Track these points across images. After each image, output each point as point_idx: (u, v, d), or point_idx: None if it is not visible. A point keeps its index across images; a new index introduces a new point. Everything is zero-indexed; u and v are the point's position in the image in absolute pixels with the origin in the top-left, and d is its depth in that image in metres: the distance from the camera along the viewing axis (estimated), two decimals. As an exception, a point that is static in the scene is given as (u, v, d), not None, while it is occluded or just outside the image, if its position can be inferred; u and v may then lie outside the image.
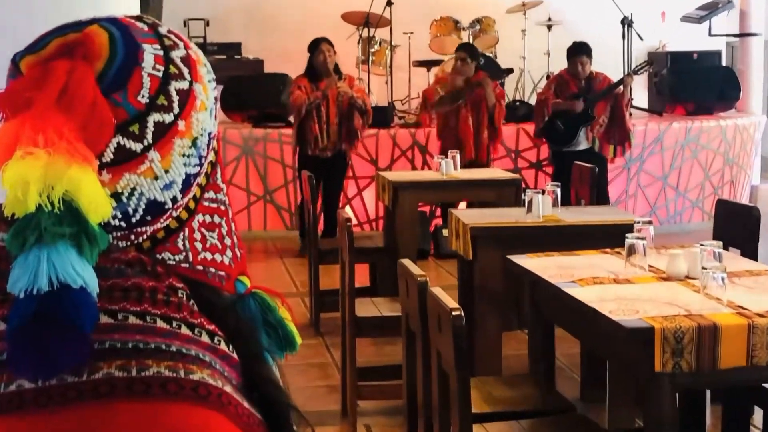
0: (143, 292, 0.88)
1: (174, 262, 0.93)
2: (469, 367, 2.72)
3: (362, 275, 6.33)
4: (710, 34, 9.94)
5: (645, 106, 9.85)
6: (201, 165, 0.93)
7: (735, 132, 9.17)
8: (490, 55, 9.63)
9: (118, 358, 0.83)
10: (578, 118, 7.47)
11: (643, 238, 3.33)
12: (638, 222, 3.54)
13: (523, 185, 8.37)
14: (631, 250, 3.32)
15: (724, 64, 10.51)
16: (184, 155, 0.91)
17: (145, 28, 0.92)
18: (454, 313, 2.65)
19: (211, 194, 0.96)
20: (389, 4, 9.26)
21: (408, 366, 3.26)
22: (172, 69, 0.91)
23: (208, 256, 0.95)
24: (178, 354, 0.85)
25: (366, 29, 9.30)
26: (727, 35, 10.48)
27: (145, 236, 0.92)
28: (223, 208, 0.97)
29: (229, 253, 0.97)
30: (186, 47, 0.94)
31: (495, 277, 4.24)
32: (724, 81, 9.53)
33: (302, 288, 6.75)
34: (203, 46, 9.66)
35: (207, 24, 9.66)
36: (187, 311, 0.89)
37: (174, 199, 0.92)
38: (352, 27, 9.54)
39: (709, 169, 9.04)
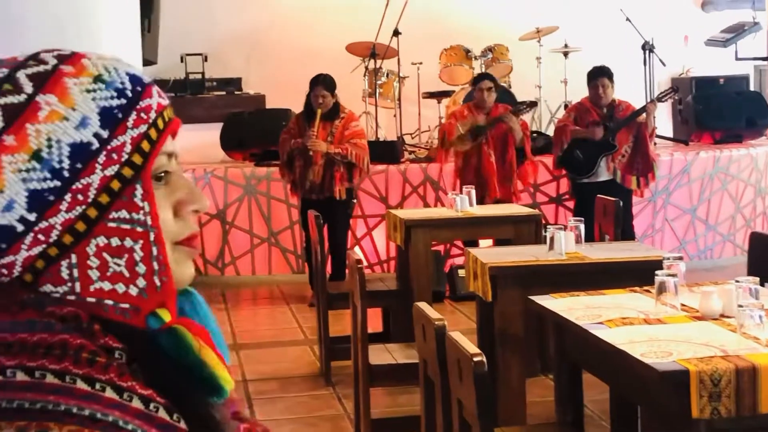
0: (67, 350, 0.86)
1: (58, 295, 0.90)
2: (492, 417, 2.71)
3: (374, 320, 6.31)
4: (737, 58, 9.97)
5: (670, 135, 9.87)
6: (62, 179, 0.91)
7: (767, 160, 9.17)
8: (504, 84, 9.67)
9: (21, 419, 0.82)
10: (599, 147, 7.47)
11: (674, 275, 3.32)
12: (668, 258, 3.53)
13: (543, 221, 8.41)
14: (662, 288, 3.30)
15: (752, 88, 10.53)
16: (20, 170, 0.90)
17: None
18: (475, 359, 2.64)
19: (122, 214, 0.93)
20: (396, 33, 9.32)
21: (427, 417, 3.24)
22: (5, 86, 0.93)
23: (106, 286, 0.92)
24: (88, 419, 0.83)
25: (372, 60, 9.36)
26: (754, 59, 10.51)
27: (16, 268, 0.90)
28: (140, 229, 0.93)
29: (141, 282, 0.93)
30: (62, 61, 0.95)
31: (516, 319, 4.23)
32: (752, 106, 9.55)
33: (311, 335, 6.73)
34: (201, 82, 9.73)
35: (205, 59, 9.73)
36: (115, 373, 0.87)
37: (25, 221, 0.90)
38: (358, 59, 9.60)
39: (740, 200, 9.03)
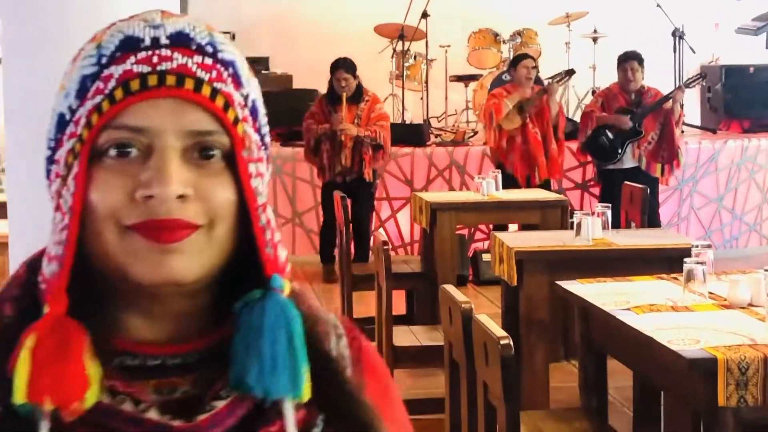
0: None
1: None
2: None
3: (398, 302, 6.33)
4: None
5: (698, 123, 9.80)
6: (50, 150, 0.94)
7: (795, 151, 9.10)
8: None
9: None
10: (625, 134, 7.44)
11: (702, 263, 3.31)
12: (696, 246, 3.52)
13: (569, 207, 8.39)
14: (690, 276, 3.29)
15: (782, 78, 10.44)
16: None
17: None
18: (502, 342, 2.65)
19: (63, 190, 0.92)
20: (425, 16, 9.30)
21: (451, 399, 3.25)
22: None
23: (47, 257, 0.96)
24: None
25: (400, 42, 9.35)
26: (785, 47, 10.42)
27: None
28: (64, 209, 0.91)
29: (52, 264, 0.91)
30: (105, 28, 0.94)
31: (542, 304, 4.23)
32: (782, 96, 9.48)
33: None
34: (229, 61, 9.74)
35: (233, 38, 9.67)
36: None
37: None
38: (386, 40, 9.58)
39: (767, 190, 8.97)
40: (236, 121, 0.92)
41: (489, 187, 5.99)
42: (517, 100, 7.47)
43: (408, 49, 9.44)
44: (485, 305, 6.90)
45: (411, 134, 8.80)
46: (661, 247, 4.27)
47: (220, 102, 0.91)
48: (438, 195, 6.65)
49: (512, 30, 9.83)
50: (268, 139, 0.97)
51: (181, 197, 0.88)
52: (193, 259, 0.89)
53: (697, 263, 3.31)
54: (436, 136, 9.21)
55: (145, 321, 0.93)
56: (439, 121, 9.81)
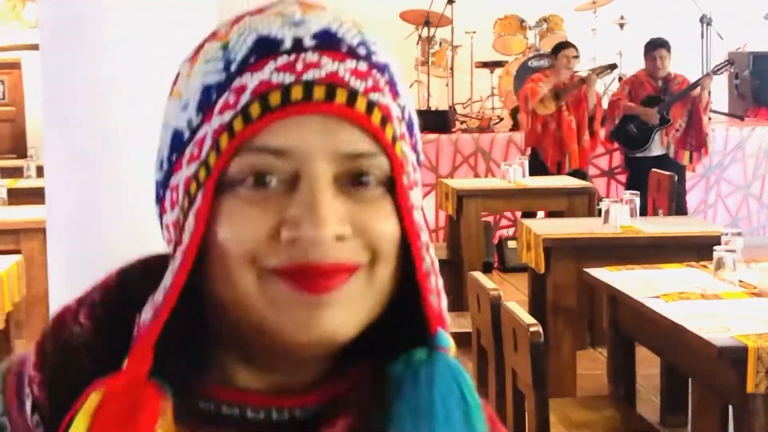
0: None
1: None
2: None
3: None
4: (796, 33, 9.81)
5: (725, 110, 9.74)
6: (164, 172, 0.77)
7: (823, 138, 9.03)
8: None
9: None
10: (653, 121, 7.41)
11: (732, 251, 3.30)
12: (726, 234, 3.51)
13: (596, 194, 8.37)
14: (720, 264, 3.29)
15: (811, 65, 10.36)
16: None
17: None
18: (532, 330, 2.66)
19: (187, 223, 0.75)
20: (450, 2, 9.28)
21: (479, 386, 3.27)
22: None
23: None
24: None
25: (426, 29, 9.33)
26: (814, 34, 10.34)
27: None
28: (180, 248, 0.75)
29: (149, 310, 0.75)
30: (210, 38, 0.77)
31: (569, 291, 4.24)
32: (811, 83, 9.41)
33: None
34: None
35: (258, 24, 9.76)
36: None
37: None
38: (411, 26, 9.57)
39: (795, 177, 8.92)
40: (394, 139, 0.75)
41: (516, 174, 5.99)
42: (552, 84, 7.43)
43: (433, 36, 9.43)
44: (511, 292, 6.90)
45: (436, 121, 8.79)
46: (690, 234, 4.27)
47: (377, 117, 0.74)
48: (464, 182, 6.66)
49: (538, 16, 9.78)
50: (422, 157, 0.80)
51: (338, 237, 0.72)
52: (351, 311, 0.73)
53: (727, 251, 3.31)
54: (462, 122, 9.20)
55: (255, 369, 0.77)
56: (464, 108, 9.79)
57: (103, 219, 2.45)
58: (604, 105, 8.13)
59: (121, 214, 2.44)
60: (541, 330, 2.66)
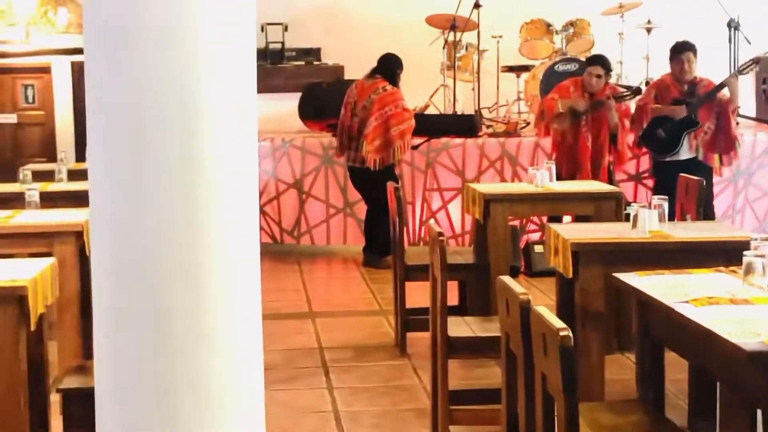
0: None
1: None
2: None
3: (451, 293, 6.35)
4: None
5: (753, 114, 9.70)
6: None
7: None
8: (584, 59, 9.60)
9: None
10: (681, 125, 7.39)
11: (762, 256, 3.30)
12: (756, 239, 3.51)
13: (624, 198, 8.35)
14: (749, 269, 3.29)
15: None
16: None
17: None
18: (562, 334, 2.67)
19: None
20: (477, 6, 9.30)
21: (508, 390, 3.28)
22: None
23: None
24: None
25: (452, 33, 9.36)
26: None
27: None
28: None
29: None
30: None
31: (598, 296, 4.24)
32: (840, 87, 9.35)
33: (386, 306, 6.80)
34: (281, 52, 9.82)
35: (285, 29, 9.82)
36: None
37: None
38: (437, 31, 9.60)
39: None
40: None
41: (543, 179, 5.99)
42: (568, 106, 7.49)
43: (459, 40, 9.45)
44: (538, 297, 6.91)
45: (462, 125, 8.82)
46: (719, 239, 4.26)
47: None
48: (491, 186, 6.67)
49: (565, 20, 9.79)
50: None
51: None
52: None
53: (757, 256, 3.31)
54: (488, 126, 9.21)
55: None
56: (490, 112, 9.80)
57: (143, 221, 2.49)
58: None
59: (160, 219, 2.48)
60: (571, 334, 2.67)
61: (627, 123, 7.61)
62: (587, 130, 7.52)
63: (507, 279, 3.29)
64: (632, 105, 7.82)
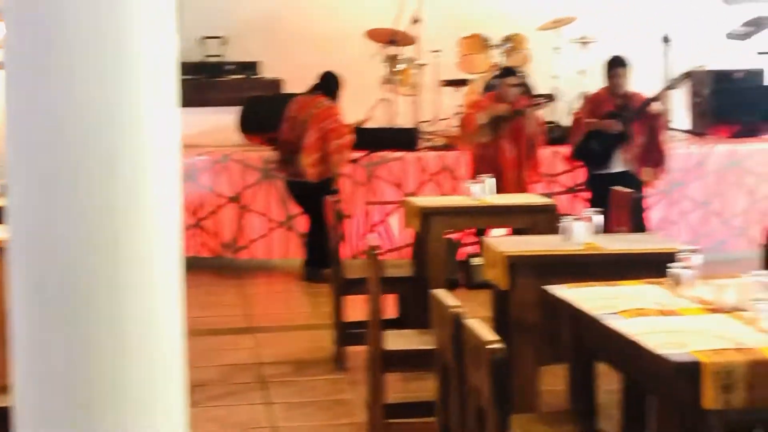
0: None
1: None
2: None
3: (389, 306, 6.36)
4: (759, 53, 9.96)
5: (687, 127, 9.87)
6: None
7: (783, 155, 9.16)
8: (521, 74, 9.69)
9: None
10: (614, 139, 7.50)
11: (689, 267, 3.36)
12: (684, 251, 3.56)
13: (559, 211, 8.43)
14: (678, 280, 3.34)
15: (770, 83, 10.51)
16: None
17: None
18: (493, 347, 2.69)
19: None
20: (415, 21, 9.35)
21: (442, 403, 3.29)
22: None
23: None
24: None
25: (391, 47, 9.39)
26: (773, 52, 10.49)
27: None
28: None
29: None
30: None
31: (532, 308, 4.27)
32: (769, 101, 9.56)
33: (325, 320, 6.78)
34: (220, 65, 9.77)
35: (224, 42, 9.78)
36: None
37: None
38: (377, 45, 9.62)
39: (755, 194, 9.03)
40: None
41: (480, 192, 6.03)
42: (491, 115, 7.62)
43: (399, 54, 9.48)
44: (476, 309, 6.91)
45: (402, 138, 8.86)
46: (649, 251, 4.32)
47: None
48: (430, 199, 6.70)
49: (502, 35, 9.87)
50: None
51: None
52: None
53: (685, 268, 3.36)
54: (428, 140, 9.25)
55: None
56: (430, 126, 9.85)
57: (64, 240, 2.46)
58: (566, 121, 8.21)
59: (80, 234, 2.45)
60: (502, 347, 2.69)
61: (542, 130, 7.75)
62: (506, 142, 7.64)
63: (440, 292, 3.31)
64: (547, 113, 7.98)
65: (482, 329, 2.85)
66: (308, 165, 7.98)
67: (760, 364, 2.68)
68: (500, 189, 7.59)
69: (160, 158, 2.59)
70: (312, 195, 7.94)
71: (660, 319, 3.14)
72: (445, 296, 3.24)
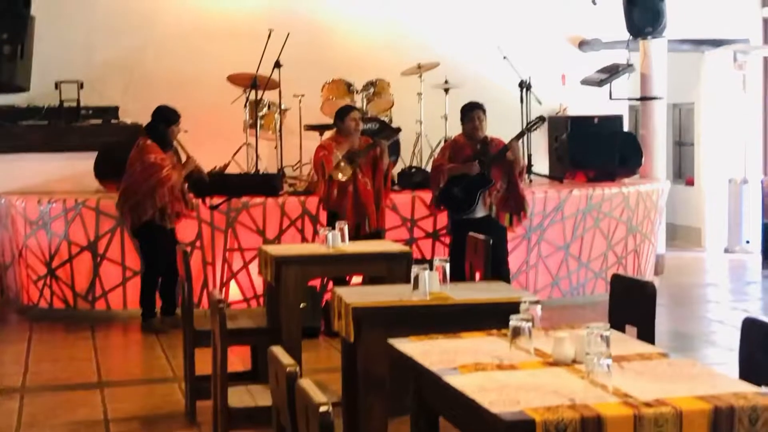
0: None
1: None
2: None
3: (245, 357, 6.19)
4: (611, 98, 10.19)
5: (545, 172, 10.01)
6: None
7: (638, 199, 9.36)
8: (385, 119, 9.69)
9: None
10: (476, 183, 7.52)
11: (528, 320, 3.31)
12: (525, 302, 3.52)
13: (420, 256, 8.41)
14: (516, 333, 3.29)
15: (626, 128, 10.78)
16: None
17: None
18: (321, 410, 2.57)
19: None
20: (278, 65, 9.26)
21: (278, 464, 3.15)
22: None
23: None
24: None
25: (253, 92, 9.27)
26: (628, 99, 10.76)
27: None
28: None
29: None
30: None
31: (380, 360, 4.16)
32: (625, 146, 9.78)
33: (179, 372, 6.55)
34: (76, 110, 9.47)
35: (81, 86, 9.48)
36: None
37: None
38: (239, 89, 9.49)
39: (611, 238, 9.19)
40: None
41: (335, 239, 5.92)
42: (346, 150, 7.60)
43: (261, 99, 9.37)
44: (335, 358, 6.79)
45: (264, 184, 8.72)
46: (492, 301, 4.27)
47: None
48: (283, 248, 6.56)
49: (365, 80, 9.86)
50: None
51: None
52: None
53: (523, 320, 3.31)
54: (291, 185, 9.14)
55: None
56: (294, 170, 9.74)
57: None
58: (429, 166, 8.22)
59: None
60: (330, 411, 2.57)
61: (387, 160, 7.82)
62: (364, 176, 7.65)
63: (277, 349, 3.17)
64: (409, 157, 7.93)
65: (313, 390, 2.72)
66: (124, 213, 7.86)
67: (592, 420, 2.63)
68: (364, 226, 7.59)
69: None
70: (139, 240, 7.98)
71: (497, 374, 3.07)
72: (280, 353, 3.10)
